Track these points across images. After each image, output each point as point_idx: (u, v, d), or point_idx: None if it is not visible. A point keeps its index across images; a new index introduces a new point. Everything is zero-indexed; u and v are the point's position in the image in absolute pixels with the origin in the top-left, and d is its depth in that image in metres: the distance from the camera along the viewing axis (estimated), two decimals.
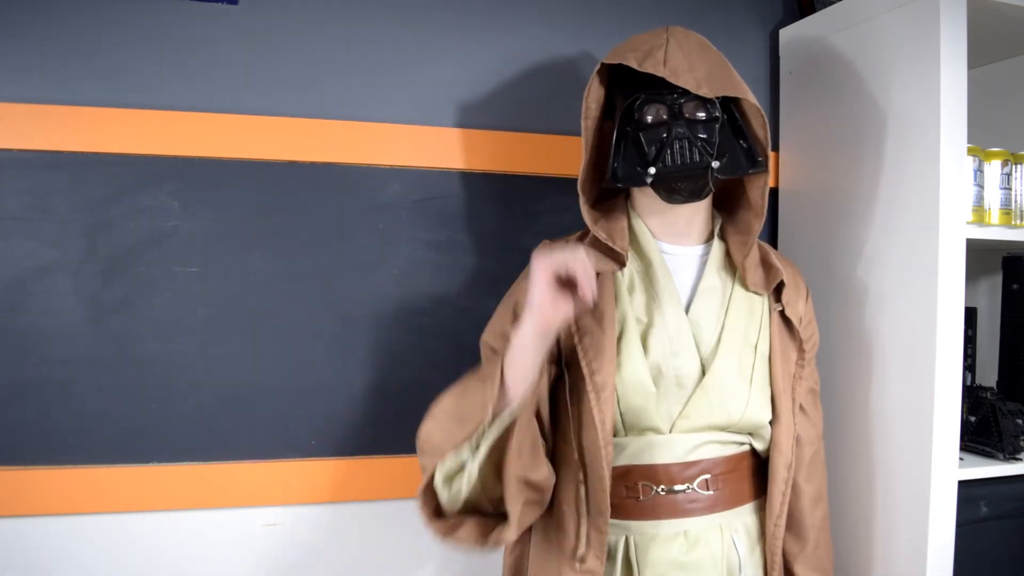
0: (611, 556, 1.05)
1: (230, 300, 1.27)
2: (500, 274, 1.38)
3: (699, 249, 1.11)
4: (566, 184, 1.40)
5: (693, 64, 1.02)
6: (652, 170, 1.01)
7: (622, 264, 1.07)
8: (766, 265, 1.10)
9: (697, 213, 1.10)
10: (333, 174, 1.30)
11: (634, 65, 1.01)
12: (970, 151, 1.20)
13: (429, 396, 1.35)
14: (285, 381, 1.29)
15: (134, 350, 1.23)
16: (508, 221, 1.38)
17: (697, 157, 1.00)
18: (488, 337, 1.11)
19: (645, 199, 1.10)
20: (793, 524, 1.10)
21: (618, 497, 1.04)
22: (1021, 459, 1.23)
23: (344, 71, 1.32)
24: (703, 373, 1.03)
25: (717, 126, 1.02)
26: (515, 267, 1.38)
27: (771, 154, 1.52)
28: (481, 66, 1.38)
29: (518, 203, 1.39)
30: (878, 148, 1.27)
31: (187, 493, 1.24)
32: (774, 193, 1.54)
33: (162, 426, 1.24)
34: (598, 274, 1.07)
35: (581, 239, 1.13)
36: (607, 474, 1.00)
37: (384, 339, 1.33)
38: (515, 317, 1.08)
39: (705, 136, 1.02)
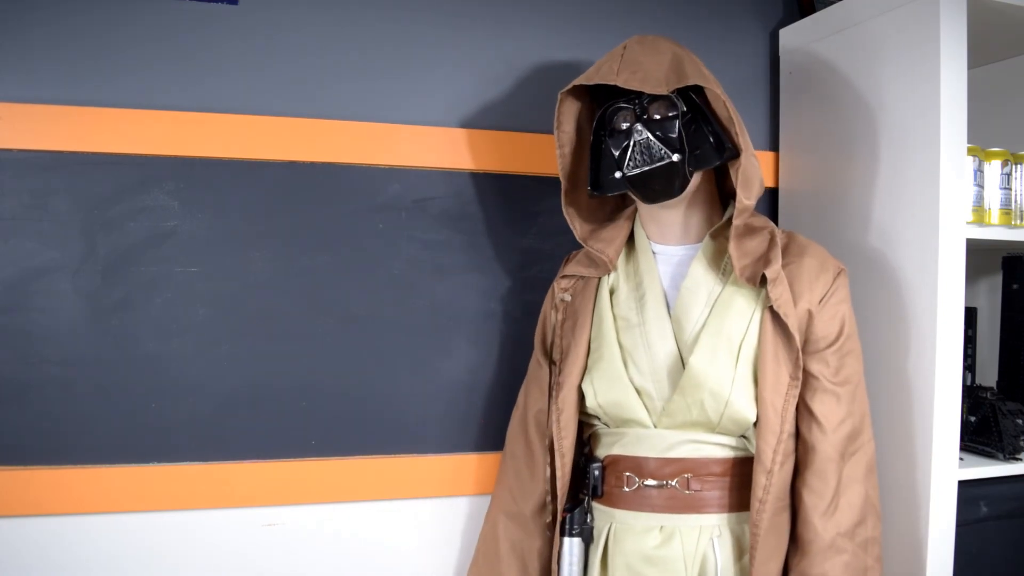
0: (596, 541, 1.10)
1: (230, 300, 1.26)
2: (500, 274, 1.38)
3: (692, 249, 1.11)
4: None
5: (648, 66, 1.03)
6: (618, 174, 1.06)
7: (607, 271, 1.13)
8: (764, 257, 1.04)
9: (691, 214, 1.11)
10: (333, 174, 1.30)
11: (586, 82, 1.06)
12: (970, 151, 1.20)
13: (429, 396, 1.35)
14: (285, 381, 1.29)
15: (134, 350, 1.23)
16: (508, 221, 1.38)
17: (656, 155, 1.03)
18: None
19: (642, 206, 1.13)
20: (795, 535, 1.04)
21: (608, 485, 1.09)
22: (1021, 459, 1.23)
23: (344, 71, 1.32)
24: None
25: (678, 122, 1.04)
26: (515, 267, 1.39)
27: (771, 153, 1.53)
28: (481, 66, 1.38)
29: (518, 203, 1.39)
30: (878, 148, 1.27)
31: (187, 493, 1.24)
32: (774, 193, 1.54)
33: (162, 426, 1.24)
34: (582, 278, 1.15)
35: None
36: (567, 459, 1.09)
37: (384, 339, 1.33)
38: (542, 332, 1.23)
39: (664, 134, 1.04)
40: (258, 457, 1.27)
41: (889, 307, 1.24)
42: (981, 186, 1.22)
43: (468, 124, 1.37)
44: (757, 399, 1.02)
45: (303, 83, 1.30)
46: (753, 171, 1.05)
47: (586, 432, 1.17)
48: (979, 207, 1.22)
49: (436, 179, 1.35)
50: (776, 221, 1.53)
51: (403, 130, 1.33)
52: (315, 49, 1.31)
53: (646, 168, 1.03)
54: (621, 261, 1.14)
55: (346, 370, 1.31)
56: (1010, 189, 1.24)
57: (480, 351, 1.37)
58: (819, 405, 1.03)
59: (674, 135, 1.03)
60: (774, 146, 1.54)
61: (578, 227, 1.14)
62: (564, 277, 1.17)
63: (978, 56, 1.42)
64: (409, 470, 1.33)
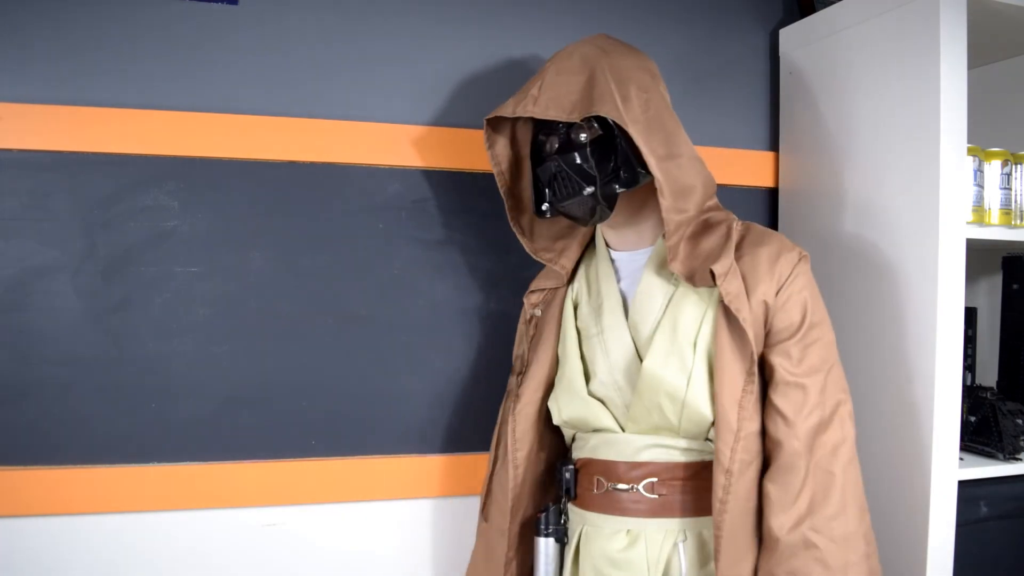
0: (569, 542, 1.11)
1: (230, 300, 1.26)
2: (499, 274, 1.38)
3: (647, 252, 1.10)
4: None
5: (568, 89, 1.02)
6: (544, 207, 1.08)
7: (564, 281, 1.15)
8: (712, 255, 1.01)
9: (642, 220, 1.09)
10: (333, 174, 1.30)
11: (508, 114, 1.06)
12: (970, 151, 1.20)
13: (429, 396, 1.36)
14: (285, 381, 1.29)
15: (134, 350, 1.23)
16: (508, 221, 1.38)
17: (570, 189, 1.04)
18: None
19: None
20: (762, 532, 0.99)
21: (581, 487, 1.10)
22: (1021, 459, 1.23)
23: (344, 71, 1.32)
24: None
25: (587, 150, 1.03)
26: (515, 267, 1.39)
27: (771, 154, 1.52)
28: (481, 65, 1.38)
29: None
30: (878, 148, 1.27)
31: (187, 493, 1.24)
32: (774, 193, 1.54)
33: (162, 426, 1.24)
34: (552, 290, 1.17)
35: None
36: (520, 470, 1.11)
37: (384, 339, 1.33)
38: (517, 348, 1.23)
39: (581, 163, 1.03)
40: (258, 457, 1.27)
41: (889, 307, 1.24)
42: (981, 186, 1.22)
43: (468, 124, 1.36)
44: (713, 397, 0.99)
45: (303, 83, 1.30)
46: (689, 178, 1.03)
47: (568, 435, 1.16)
48: (979, 207, 1.22)
49: (436, 179, 1.35)
50: (776, 221, 1.53)
51: (403, 130, 1.33)
52: (315, 49, 1.31)
53: (564, 202, 1.04)
54: (583, 271, 1.15)
55: (346, 370, 1.31)
56: (1010, 189, 1.24)
57: (480, 351, 1.37)
58: (781, 399, 0.98)
59: (584, 165, 1.02)
60: (774, 146, 1.54)
61: (527, 243, 1.17)
62: (532, 292, 1.19)
63: (978, 56, 1.42)
64: (410, 470, 1.33)
